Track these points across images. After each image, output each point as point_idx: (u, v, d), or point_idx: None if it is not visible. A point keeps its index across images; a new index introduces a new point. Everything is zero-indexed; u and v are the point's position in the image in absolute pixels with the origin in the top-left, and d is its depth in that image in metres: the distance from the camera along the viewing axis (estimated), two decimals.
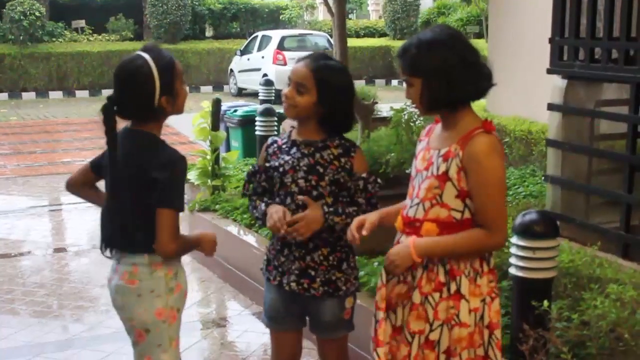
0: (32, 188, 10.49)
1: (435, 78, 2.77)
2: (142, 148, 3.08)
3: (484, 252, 2.86)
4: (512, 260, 3.94)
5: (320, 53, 3.42)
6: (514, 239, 3.93)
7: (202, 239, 3.31)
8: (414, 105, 2.95)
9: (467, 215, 2.83)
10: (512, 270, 3.94)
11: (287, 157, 3.31)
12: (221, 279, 6.45)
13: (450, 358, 2.84)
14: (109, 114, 3.03)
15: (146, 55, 3.03)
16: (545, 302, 3.73)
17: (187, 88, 3.24)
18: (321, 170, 3.25)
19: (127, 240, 3.12)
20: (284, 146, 3.37)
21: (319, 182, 3.25)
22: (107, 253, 3.21)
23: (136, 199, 3.05)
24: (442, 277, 2.84)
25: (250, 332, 5.38)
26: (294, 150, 3.31)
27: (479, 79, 2.83)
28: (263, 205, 3.33)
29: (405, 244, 2.87)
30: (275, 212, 3.22)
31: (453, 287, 2.83)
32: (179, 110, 3.16)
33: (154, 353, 3.16)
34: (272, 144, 3.44)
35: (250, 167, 3.43)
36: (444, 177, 2.82)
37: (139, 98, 3.03)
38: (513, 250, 3.93)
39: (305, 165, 3.26)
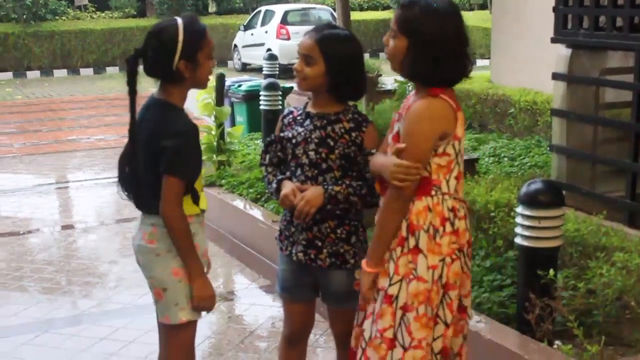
0: (39, 166, 10.52)
1: (423, 47, 2.75)
2: (156, 115, 3.14)
3: (397, 203, 2.82)
4: (518, 229, 3.94)
5: (325, 23, 3.43)
6: (520, 209, 3.93)
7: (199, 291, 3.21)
8: (388, 57, 2.91)
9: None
10: (518, 240, 3.94)
11: (300, 129, 3.33)
12: (228, 254, 6.47)
13: (406, 313, 2.83)
14: (132, 64, 3.12)
15: (179, 20, 3.12)
16: (551, 271, 3.74)
17: (214, 65, 3.26)
18: (332, 143, 3.25)
19: (145, 202, 3.22)
20: (298, 117, 3.38)
21: (329, 155, 3.25)
22: (124, 195, 3.29)
23: (148, 165, 3.12)
24: (404, 232, 2.84)
25: (258, 305, 5.41)
26: (307, 122, 3.32)
27: (465, 63, 2.83)
28: (274, 183, 3.35)
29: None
30: (285, 195, 3.24)
31: (412, 242, 2.83)
32: (199, 82, 3.19)
33: (171, 311, 3.22)
34: (288, 114, 3.46)
35: (268, 138, 3.45)
36: (396, 137, 2.87)
37: (158, 54, 3.09)
38: (518, 219, 3.93)
39: (316, 137, 3.27)
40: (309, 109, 3.36)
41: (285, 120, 3.43)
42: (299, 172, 3.31)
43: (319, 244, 3.30)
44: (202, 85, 3.22)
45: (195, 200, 3.22)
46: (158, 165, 3.07)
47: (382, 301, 2.88)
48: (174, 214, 3.09)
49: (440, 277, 2.83)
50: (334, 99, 3.29)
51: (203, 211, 3.29)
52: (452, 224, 2.85)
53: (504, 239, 4.61)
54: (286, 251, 3.41)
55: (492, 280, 4.39)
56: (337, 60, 3.21)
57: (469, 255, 2.94)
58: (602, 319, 3.82)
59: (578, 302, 3.84)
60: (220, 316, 5.29)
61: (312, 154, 3.27)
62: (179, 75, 3.10)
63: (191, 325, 3.29)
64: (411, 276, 2.83)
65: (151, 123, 3.13)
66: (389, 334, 2.86)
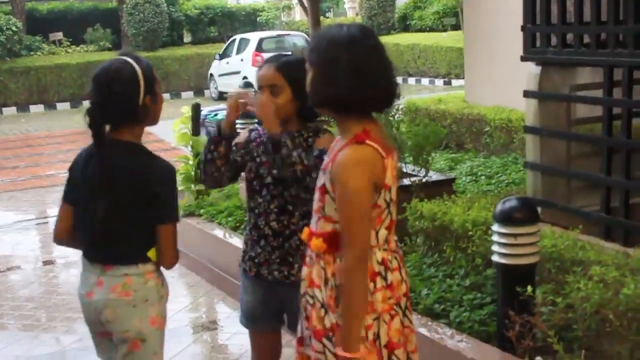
0: (18, 202, 10.47)
1: (321, 72, 2.69)
2: (134, 161, 3.06)
3: (357, 272, 2.59)
4: (495, 247, 3.97)
5: (276, 54, 3.48)
6: (495, 227, 3.96)
7: None
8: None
9: None
10: (495, 258, 3.97)
11: (261, 150, 3.38)
12: (209, 283, 6.46)
13: None
14: (94, 118, 3.06)
15: (129, 59, 3.09)
16: (529, 288, 3.77)
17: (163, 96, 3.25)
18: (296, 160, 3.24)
19: (115, 252, 3.08)
20: (261, 137, 3.42)
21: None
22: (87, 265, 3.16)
23: (128, 212, 3.02)
24: (335, 292, 2.69)
25: (241, 334, 5.37)
26: (269, 144, 3.34)
27: (368, 90, 2.65)
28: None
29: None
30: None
31: None
32: (156, 117, 3.17)
33: None
34: (254, 130, 3.49)
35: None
36: (323, 189, 2.72)
37: (125, 99, 3.04)
38: (495, 237, 3.96)
39: (279, 157, 3.28)
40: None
41: (253, 135, 3.46)
42: (264, 191, 3.35)
43: (290, 259, 3.34)
44: (156, 120, 3.18)
45: None
46: (139, 211, 3.00)
47: None
48: (177, 259, 3.13)
49: (379, 336, 2.66)
50: (301, 120, 3.34)
51: None
52: (385, 278, 2.68)
53: (482, 258, 4.63)
54: (251, 272, 3.42)
55: (472, 299, 4.42)
56: (301, 82, 3.19)
57: (409, 308, 2.79)
58: (582, 333, 3.84)
59: (557, 317, 3.86)
60: (203, 346, 5.27)
61: (275, 172, 3.31)
62: (145, 111, 3.07)
63: None
64: None
65: (129, 169, 3.04)
66: None
